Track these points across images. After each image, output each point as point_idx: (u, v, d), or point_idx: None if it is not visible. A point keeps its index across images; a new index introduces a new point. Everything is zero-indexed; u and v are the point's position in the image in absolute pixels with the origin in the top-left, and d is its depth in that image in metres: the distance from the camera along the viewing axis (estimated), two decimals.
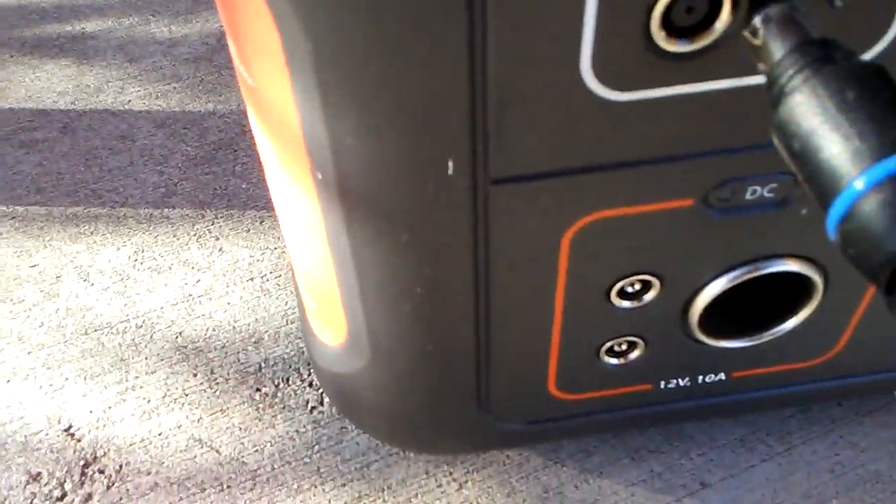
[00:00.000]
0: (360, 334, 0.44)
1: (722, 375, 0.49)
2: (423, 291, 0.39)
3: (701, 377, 0.49)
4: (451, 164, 0.32)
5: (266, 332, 0.70)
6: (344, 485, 0.60)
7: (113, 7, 1.05)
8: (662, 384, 0.49)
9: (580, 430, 0.52)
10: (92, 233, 0.78)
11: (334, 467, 0.61)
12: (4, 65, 0.96)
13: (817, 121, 0.22)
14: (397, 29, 0.28)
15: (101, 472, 0.61)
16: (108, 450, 0.62)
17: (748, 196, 0.37)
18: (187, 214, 0.79)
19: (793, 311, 0.45)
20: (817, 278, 0.42)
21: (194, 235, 0.78)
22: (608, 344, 0.46)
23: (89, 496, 0.59)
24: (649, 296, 0.42)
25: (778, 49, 0.25)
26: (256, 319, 0.71)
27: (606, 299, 0.42)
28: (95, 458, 0.62)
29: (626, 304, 0.42)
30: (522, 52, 0.29)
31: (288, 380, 0.66)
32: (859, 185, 0.20)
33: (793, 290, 0.44)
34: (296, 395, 0.65)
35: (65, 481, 0.60)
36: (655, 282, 0.42)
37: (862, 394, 0.58)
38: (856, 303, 0.45)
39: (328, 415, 0.64)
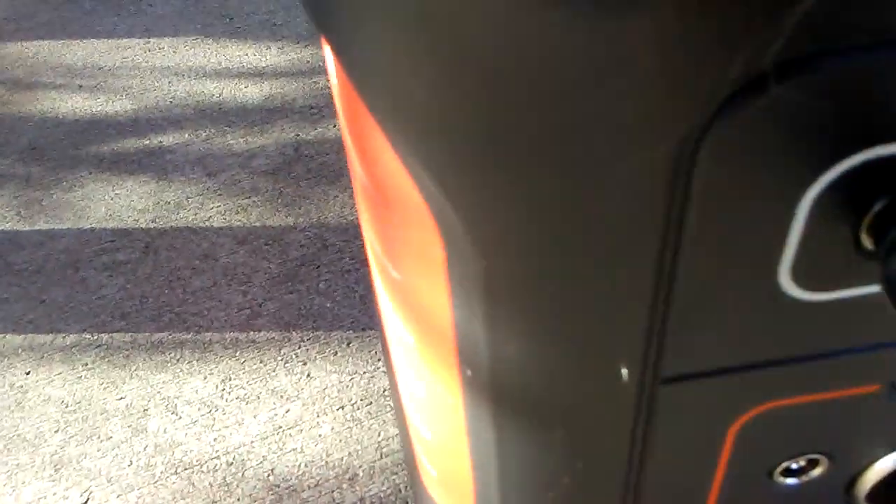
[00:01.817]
0: None
1: None
2: (570, 482, 0.35)
3: None
4: (624, 371, 0.29)
5: (360, 466, 0.67)
6: None
7: (188, 118, 1.05)
8: None
9: None
10: (178, 360, 0.76)
11: None
12: (83, 182, 0.97)
13: None
14: (583, 255, 0.25)
15: None
16: None
17: None
18: (273, 338, 0.77)
19: None
20: None
21: (281, 360, 0.75)
22: None
23: None
24: (815, 472, 0.38)
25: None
26: (349, 453, 0.68)
27: (769, 478, 0.38)
28: None
29: (789, 481, 0.38)
30: (716, 264, 0.26)
31: None
32: None
33: None
34: None
35: None
36: (824, 459, 0.38)
37: None
38: None
39: None
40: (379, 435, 0.69)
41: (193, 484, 0.66)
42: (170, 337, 0.78)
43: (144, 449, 0.69)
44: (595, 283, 0.26)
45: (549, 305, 0.27)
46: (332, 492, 0.65)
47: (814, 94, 0.22)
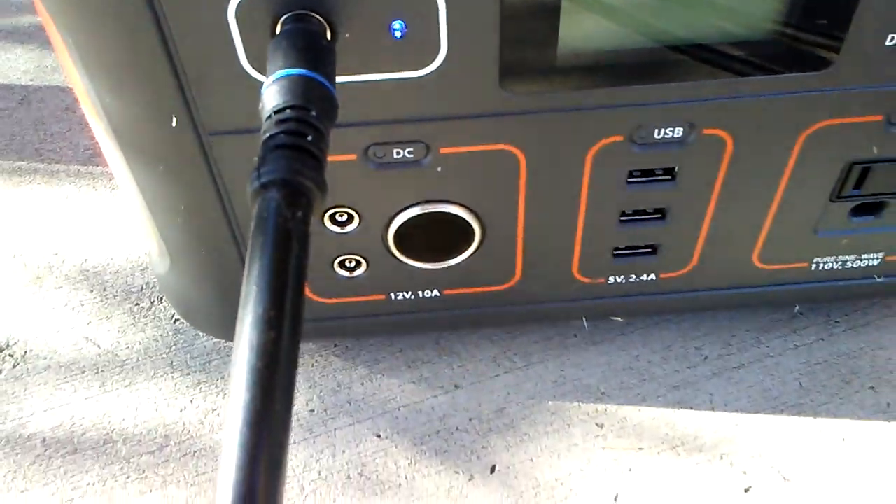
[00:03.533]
0: (159, 241, 0.63)
1: (436, 292, 0.66)
2: (185, 210, 0.57)
3: (420, 292, 0.66)
4: (174, 119, 0.51)
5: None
6: (188, 374, 0.78)
7: None
8: (392, 296, 0.66)
9: (334, 332, 0.70)
10: (30, 182, 0.98)
11: (184, 362, 0.79)
12: None
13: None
14: (98, 35, 0.45)
15: (11, 356, 0.80)
16: (18, 340, 0.82)
17: (395, 156, 0.50)
18: (108, 171, 0.99)
19: (464, 246, 0.61)
20: (472, 220, 0.59)
21: (111, 187, 0.97)
22: (339, 259, 0.63)
23: None
24: (352, 226, 0.60)
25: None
26: (147, 252, 0.90)
27: (321, 223, 0.60)
28: (8, 345, 0.81)
29: (335, 228, 0.60)
30: (201, 48, 0.46)
31: (162, 299, 0.85)
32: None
33: (462, 230, 0.61)
34: (165, 310, 0.84)
35: None
36: (355, 214, 0.59)
37: (539, 320, 0.74)
38: (513, 244, 0.62)
39: (187, 325, 0.83)
40: None
41: (25, 264, 0.88)
42: (27, 165, 1.00)
43: None
44: (122, 53, 0.46)
45: (108, 70, 0.48)
46: (127, 277, 0.88)
47: None
